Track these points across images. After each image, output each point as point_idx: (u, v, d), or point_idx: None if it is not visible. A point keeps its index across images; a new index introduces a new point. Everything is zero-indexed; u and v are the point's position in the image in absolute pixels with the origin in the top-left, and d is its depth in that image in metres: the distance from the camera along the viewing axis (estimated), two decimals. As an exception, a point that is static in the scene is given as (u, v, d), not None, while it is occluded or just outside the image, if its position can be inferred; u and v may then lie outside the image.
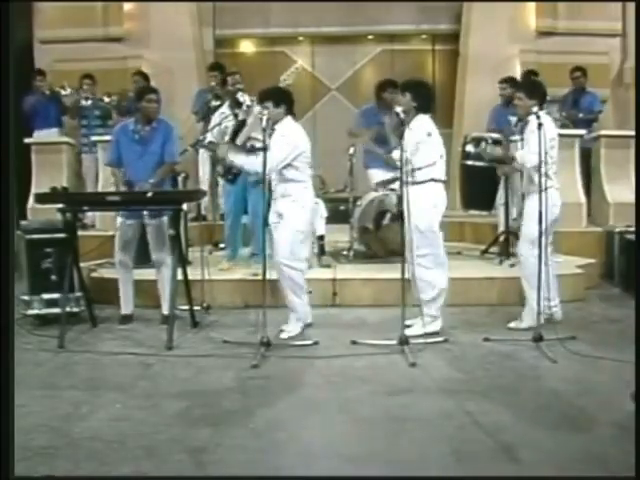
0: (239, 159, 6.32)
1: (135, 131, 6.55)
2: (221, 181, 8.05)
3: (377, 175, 8.24)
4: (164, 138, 6.56)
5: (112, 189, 6.84)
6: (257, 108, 6.52)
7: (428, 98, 6.22)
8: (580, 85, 9.92)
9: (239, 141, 7.12)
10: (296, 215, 6.09)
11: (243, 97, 7.38)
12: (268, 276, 5.79)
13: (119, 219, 6.61)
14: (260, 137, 6.24)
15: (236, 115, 7.47)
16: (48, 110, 10.09)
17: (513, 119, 7.34)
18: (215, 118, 7.76)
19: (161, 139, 6.55)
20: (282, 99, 6.13)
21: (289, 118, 6.14)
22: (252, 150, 6.73)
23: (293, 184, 6.12)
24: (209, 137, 7.52)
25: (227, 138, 7.45)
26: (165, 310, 6.51)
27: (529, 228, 6.10)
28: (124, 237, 6.57)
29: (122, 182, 6.54)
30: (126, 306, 6.72)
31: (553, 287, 6.08)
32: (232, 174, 7.56)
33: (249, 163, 6.15)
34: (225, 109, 7.71)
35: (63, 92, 9.97)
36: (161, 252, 6.54)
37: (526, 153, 6.10)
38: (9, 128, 4.51)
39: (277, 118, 6.05)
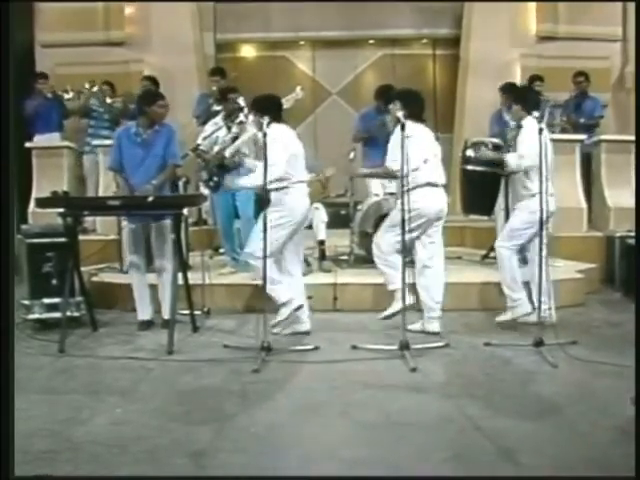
0: (242, 181, 6.33)
1: (137, 134, 6.53)
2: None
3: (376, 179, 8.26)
4: (167, 140, 6.55)
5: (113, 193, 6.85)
6: (251, 129, 6.56)
7: (418, 107, 6.27)
8: (583, 90, 9.94)
9: (228, 153, 7.14)
10: (272, 215, 5.99)
11: (240, 116, 7.37)
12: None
13: (124, 223, 6.61)
14: (247, 153, 6.31)
15: (229, 128, 7.49)
16: (50, 114, 10.07)
17: (513, 124, 7.37)
18: (208, 128, 7.78)
19: (164, 142, 6.53)
20: (265, 108, 6.11)
21: (275, 124, 6.06)
22: (238, 165, 6.79)
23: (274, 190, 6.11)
24: (200, 145, 7.55)
25: (216, 148, 7.48)
26: (165, 314, 6.51)
27: (510, 223, 6.56)
28: (131, 239, 6.60)
29: (124, 188, 6.51)
30: (143, 311, 6.63)
31: (545, 290, 6.05)
32: (214, 182, 7.57)
33: (251, 181, 6.17)
34: (219, 120, 7.73)
35: (66, 96, 9.98)
36: (163, 258, 6.52)
37: (514, 156, 6.38)
38: (9, 132, 4.51)
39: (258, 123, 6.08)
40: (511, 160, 6.38)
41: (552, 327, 5.96)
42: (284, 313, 6.17)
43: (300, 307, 6.23)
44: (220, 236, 8.23)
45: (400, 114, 5.88)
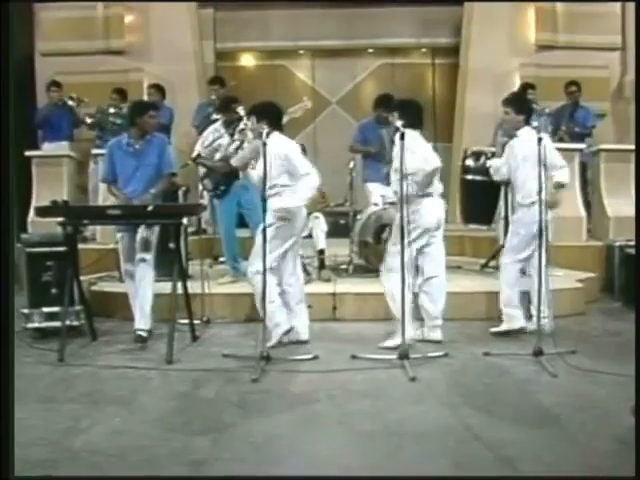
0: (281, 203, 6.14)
1: (130, 145, 6.53)
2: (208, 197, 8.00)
3: (376, 189, 8.26)
4: (160, 151, 6.56)
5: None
6: (253, 140, 6.54)
7: (415, 115, 6.26)
8: (575, 99, 9.96)
9: (233, 162, 7.13)
10: (277, 228, 6.03)
11: (240, 124, 7.34)
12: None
13: (118, 234, 6.61)
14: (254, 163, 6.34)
15: (232, 135, 7.48)
16: (60, 122, 10.13)
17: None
18: (207, 135, 7.76)
19: (157, 151, 6.54)
20: (264, 114, 6.14)
21: (276, 134, 6.06)
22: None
23: (277, 197, 6.08)
24: (201, 153, 7.57)
25: (218, 156, 7.48)
26: (143, 324, 6.38)
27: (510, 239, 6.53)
28: (125, 247, 6.59)
29: (121, 197, 6.49)
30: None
31: (543, 299, 6.01)
32: (220, 189, 7.56)
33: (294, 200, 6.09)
34: (219, 126, 7.72)
35: (70, 102, 10.00)
36: (144, 252, 6.39)
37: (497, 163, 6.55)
38: (9, 140, 4.52)
39: (257, 132, 6.09)
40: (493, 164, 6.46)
41: (551, 336, 5.95)
42: (275, 337, 6.13)
43: (289, 330, 6.22)
44: (221, 244, 8.20)
45: (399, 123, 5.89)
